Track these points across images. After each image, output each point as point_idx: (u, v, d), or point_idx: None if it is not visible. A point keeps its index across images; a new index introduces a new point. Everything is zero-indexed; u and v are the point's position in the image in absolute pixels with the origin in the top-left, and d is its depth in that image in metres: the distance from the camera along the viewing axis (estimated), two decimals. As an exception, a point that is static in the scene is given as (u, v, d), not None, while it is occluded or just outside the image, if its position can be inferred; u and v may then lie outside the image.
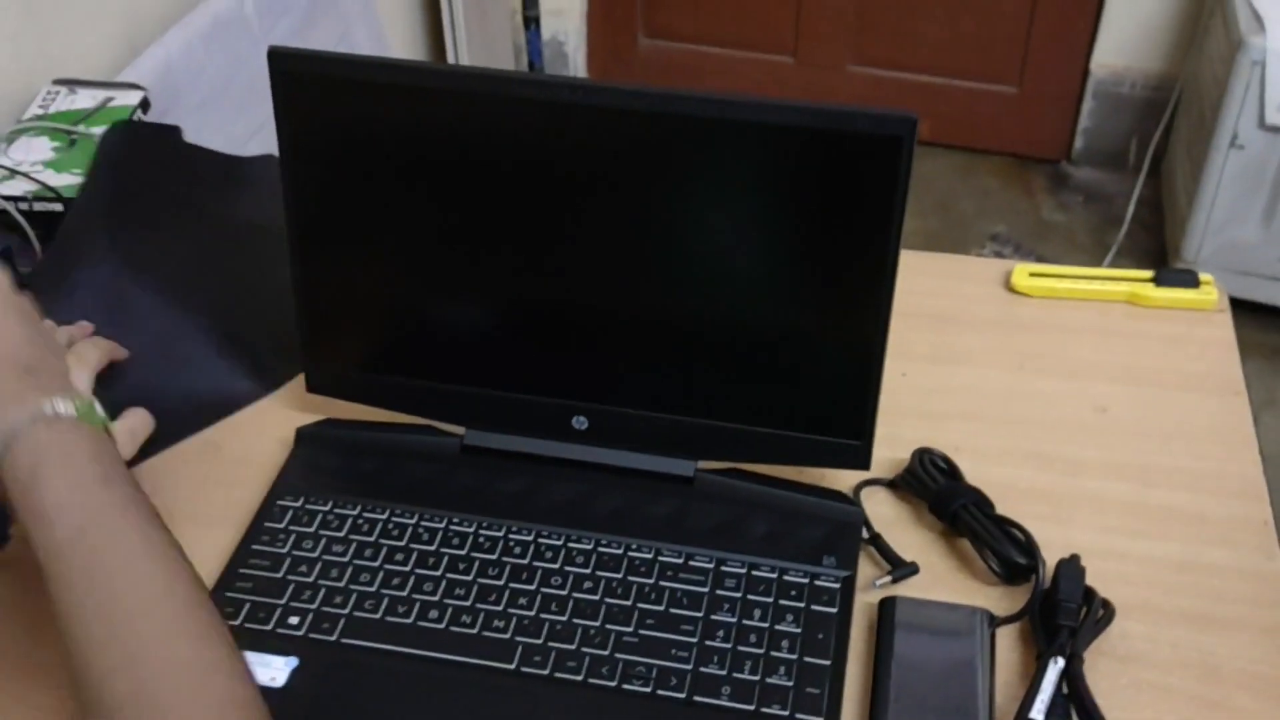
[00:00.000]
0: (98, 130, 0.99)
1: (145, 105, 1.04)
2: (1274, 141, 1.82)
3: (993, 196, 2.37)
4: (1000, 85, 2.42)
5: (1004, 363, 0.91)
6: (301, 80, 0.73)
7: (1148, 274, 0.95)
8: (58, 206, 0.92)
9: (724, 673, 0.68)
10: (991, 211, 2.32)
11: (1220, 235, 1.92)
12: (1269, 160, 1.84)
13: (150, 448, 0.82)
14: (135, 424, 0.72)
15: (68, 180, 0.94)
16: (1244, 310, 1.98)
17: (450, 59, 2.11)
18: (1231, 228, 1.92)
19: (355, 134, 0.75)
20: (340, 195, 0.77)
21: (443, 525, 0.77)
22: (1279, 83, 1.75)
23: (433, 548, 0.75)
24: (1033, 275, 0.96)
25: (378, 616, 0.72)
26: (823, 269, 0.73)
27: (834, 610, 0.72)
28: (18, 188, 0.93)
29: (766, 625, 0.71)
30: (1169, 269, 0.95)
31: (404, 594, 0.73)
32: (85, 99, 1.03)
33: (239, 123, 1.16)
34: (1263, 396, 1.91)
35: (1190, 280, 0.94)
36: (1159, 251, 2.17)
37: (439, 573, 0.74)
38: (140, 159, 0.96)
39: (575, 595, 0.73)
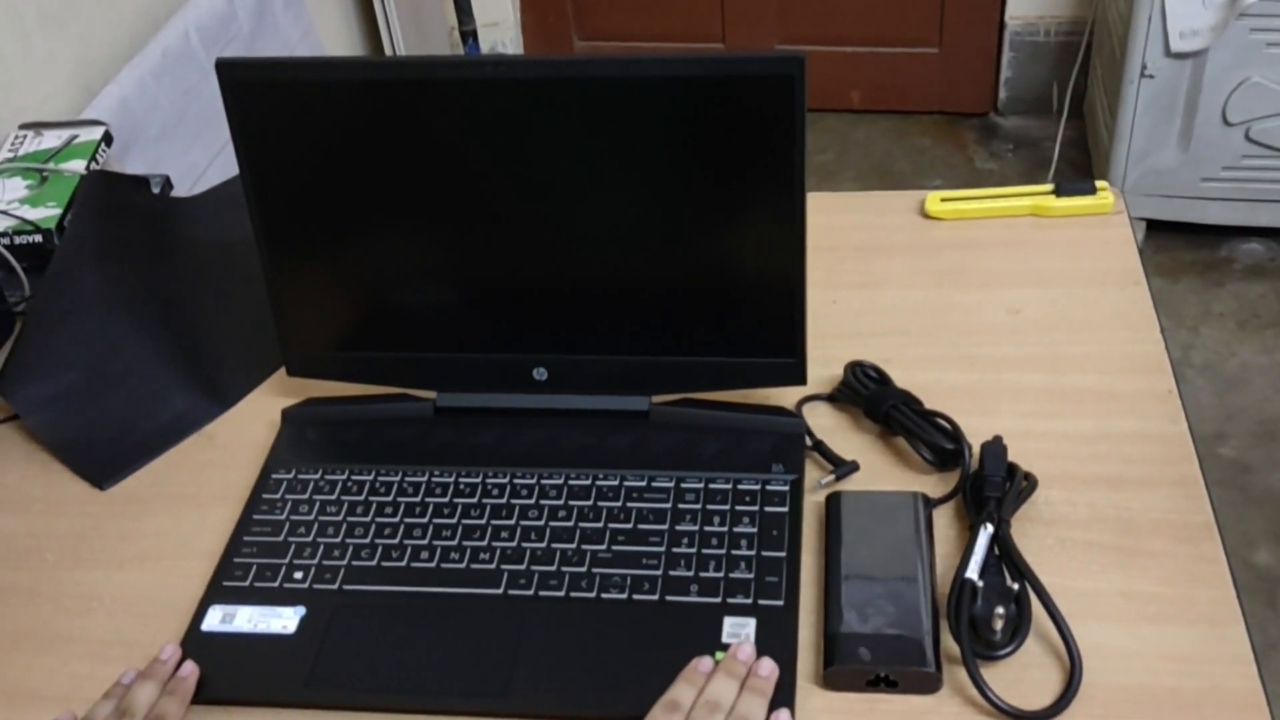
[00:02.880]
0: (66, 166, 1.06)
1: (108, 139, 1.11)
2: (1180, 68, 1.91)
3: (927, 154, 2.46)
4: (922, 48, 2.51)
5: (925, 281, 0.99)
6: (250, 86, 0.80)
7: (1048, 187, 1.03)
8: (38, 238, 1.00)
9: (691, 574, 0.76)
10: (927, 168, 2.41)
11: (1142, 163, 2.01)
12: (1178, 86, 1.93)
13: (135, 465, 0.90)
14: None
15: (44, 213, 1.01)
16: (1174, 231, 2.07)
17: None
18: (1152, 155, 2.01)
19: (305, 131, 0.82)
20: (298, 191, 0.84)
21: (424, 478, 0.84)
22: (1178, 12, 1.84)
23: (418, 499, 0.83)
24: (944, 200, 1.04)
25: (374, 563, 0.79)
26: (741, 206, 0.81)
27: (785, 509, 0.79)
28: (-1, 225, 1.00)
29: (725, 529, 0.78)
30: (1068, 181, 1.03)
31: (396, 541, 0.80)
32: (51, 139, 1.10)
33: (196, 149, 1.23)
34: (1199, 310, 2.00)
35: (1088, 189, 1.02)
36: (1089, 188, 2.26)
37: (426, 519, 0.81)
38: (118, 205, 1.03)
39: (552, 524, 0.80)
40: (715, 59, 0.76)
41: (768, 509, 0.79)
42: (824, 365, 0.88)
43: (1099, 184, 1.02)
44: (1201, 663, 0.69)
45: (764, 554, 0.77)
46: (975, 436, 0.81)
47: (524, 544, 0.79)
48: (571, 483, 0.82)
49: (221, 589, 0.78)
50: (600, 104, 0.78)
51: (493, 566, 0.78)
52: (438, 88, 0.79)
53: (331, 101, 0.81)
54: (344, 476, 0.85)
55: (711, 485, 0.81)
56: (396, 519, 0.81)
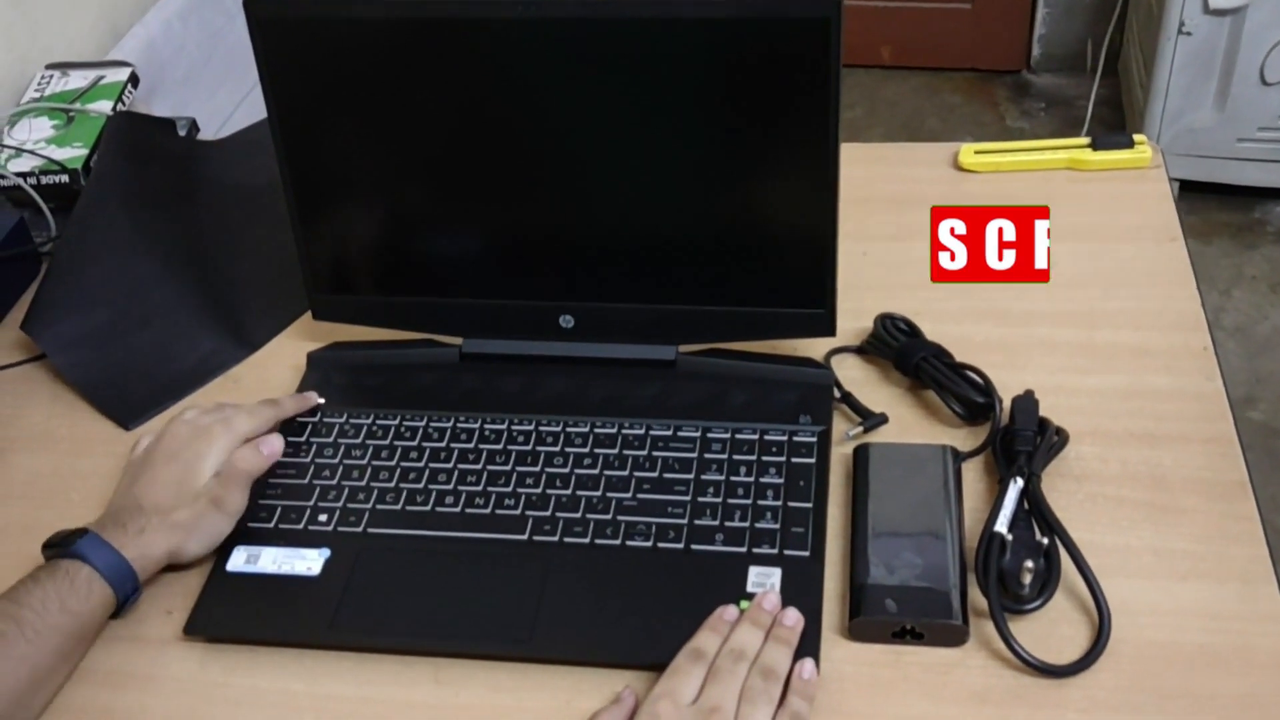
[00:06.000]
0: (93, 107, 1.05)
1: (134, 80, 1.10)
2: (1219, 25, 1.87)
3: (957, 112, 2.43)
4: (955, 3, 2.48)
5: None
6: (278, 23, 0.79)
7: (1084, 140, 1.01)
8: (64, 178, 0.99)
9: (717, 523, 0.75)
10: (957, 126, 2.38)
11: (1177, 123, 1.98)
12: (1216, 44, 1.90)
13: (160, 406, 0.90)
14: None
15: (71, 153, 1.01)
16: (1207, 192, 2.04)
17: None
18: (1187, 114, 1.98)
19: (334, 71, 0.81)
20: (327, 131, 0.83)
21: (450, 424, 0.83)
22: (1219, -33, 1.81)
23: (443, 444, 0.82)
24: (978, 153, 1.02)
25: (398, 507, 0.79)
26: (773, 152, 0.79)
27: (812, 460, 0.78)
28: (26, 164, 1.00)
29: (752, 479, 0.78)
30: (1105, 134, 1.01)
31: (420, 486, 0.80)
32: (78, 79, 1.10)
33: (222, 93, 1.22)
34: (1231, 273, 1.97)
35: (1125, 142, 1.00)
36: (1122, 147, 2.23)
37: (450, 465, 0.81)
38: (144, 146, 1.03)
39: (577, 471, 0.79)
40: (750, 0, 0.74)
41: (794, 460, 0.79)
42: (854, 317, 0.87)
43: (1137, 138, 1.00)
44: (1232, 620, 0.68)
45: (790, 505, 0.76)
46: (1006, 391, 0.80)
47: (549, 491, 0.78)
48: (597, 431, 0.82)
49: (246, 530, 0.78)
50: (632, 46, 0.77)
51: (517, 512, 0.77)
52: (468, 27, 0.78)
53: (361, 40, 0.80)
54: (369, 421, 0.84)
55: (738, 435, 0.80)
56: (421, 464, 0.81)
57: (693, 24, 0.75)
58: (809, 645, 0.68)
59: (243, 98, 1.27)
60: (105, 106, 1.07)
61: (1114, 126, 2.27)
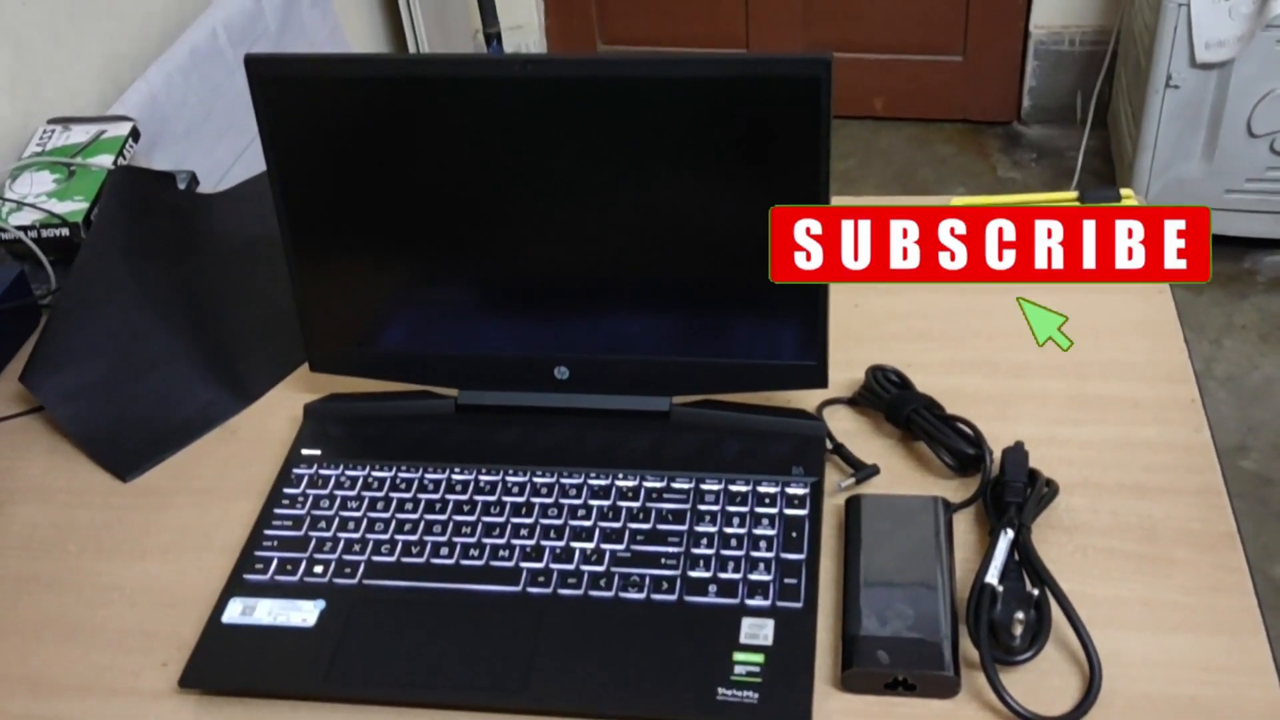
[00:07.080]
0: (94, 161, 1.06)
1: (135, 135, 1.11)
2: (1205, 79, 1.90)
3: (949, 163, 2.45)
4: (946, 55, 2.51)
5: (947, 286, 0.98)
6: (278, 83, 0.81)
7: (1072, 194, 1.02)
8: (65, 231, 1.00)
9: (710, 575, 0.76)
10: (949, 177, 2.41)
11: (1166, 174, 2.01)
12: (1203, 96, 1.92)
13: (158, 458, 0.90)
14: None
15: (72, 207, 1.02)
16: (1197, 243, 2.06)
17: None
18: (1176, 165, 2.00)
19: (333, 127, 0.82)
20: (325, 187, 0.85)
21: (444, 476, 0.84)
22: (1204, 22, 1.84)
23: (438, 496, 0.83)
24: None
25: (393, 559, 0.79)
26: (764, 207, 0.80)
27: (805, 512, 0.79)
28: (26, 218, 1.01)
29: (745, 531, 0.78)
30: (1093, 188, 1.03)
31: (415, 537, 0.80)
32: (79, 134, 1.11)
33: (222, 147, 1.24)
34: (1222, 322, 1.99)
35: (1112, 196, 1.01)
36: (1113, 198, 2.25)
37: (445, 516, 0.81)
38: (144, 200, 1.04)
39: (571, 523, 0.80)
40: (742, 60, 0.76)
41: (787, 511, 0.79)
42: (845, 369, 0.88)
43: (1124, 191, 1.02)
44: (1223, 672, 0.69)
45: (783, 556, 0.76)
46: (997, 442, 0.81)
47: (543, 542, 0.79)
48: (591, 482, 0.82)
49: (242, 582, 0.78)
50: (626, 104, 0.78)
51: (511, 564, 0.78)
52: (466, 86, 0.79)
53: (359, 98, 0.81)
54: (365, 472, 0.85)
55: (731, 487, 0.81)
56: (416, 515, 0.82)
57: (686, 83, 0.77)
58: (801, 696, 0.69)
59: (242, 151, 1.28)
60: (106, 161, 1.08)
61: (1104, 177, 2.29)
